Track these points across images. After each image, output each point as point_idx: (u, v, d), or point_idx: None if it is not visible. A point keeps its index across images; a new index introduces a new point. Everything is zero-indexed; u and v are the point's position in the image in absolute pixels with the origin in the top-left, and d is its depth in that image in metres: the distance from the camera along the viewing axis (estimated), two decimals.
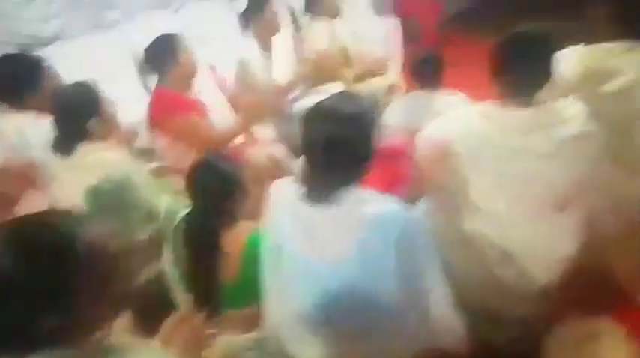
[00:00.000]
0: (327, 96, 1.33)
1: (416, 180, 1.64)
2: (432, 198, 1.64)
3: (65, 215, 0.96)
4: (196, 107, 2.53)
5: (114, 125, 1.96)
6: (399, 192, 1.66)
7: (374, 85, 3.27)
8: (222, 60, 3.01)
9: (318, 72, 3.04)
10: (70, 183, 1.82)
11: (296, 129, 2.48)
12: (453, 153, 1.55)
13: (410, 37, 4.68)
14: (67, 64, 3.05)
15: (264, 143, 2.78)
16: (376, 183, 1.65)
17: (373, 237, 1.20)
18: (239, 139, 2.65)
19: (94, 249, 0.90)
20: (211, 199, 1.62)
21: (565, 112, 1.54)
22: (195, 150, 2.50)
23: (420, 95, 2.63)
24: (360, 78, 3.25)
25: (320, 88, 3.00)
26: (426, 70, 2.62)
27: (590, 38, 1.84)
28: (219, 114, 2.70)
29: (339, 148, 1.23)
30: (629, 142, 1.77)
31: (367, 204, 1.23)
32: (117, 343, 0.99)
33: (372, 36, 3.94)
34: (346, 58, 3.25)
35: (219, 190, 1.61)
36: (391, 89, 3.25)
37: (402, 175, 1.67)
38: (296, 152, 2.52)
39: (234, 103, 2.84)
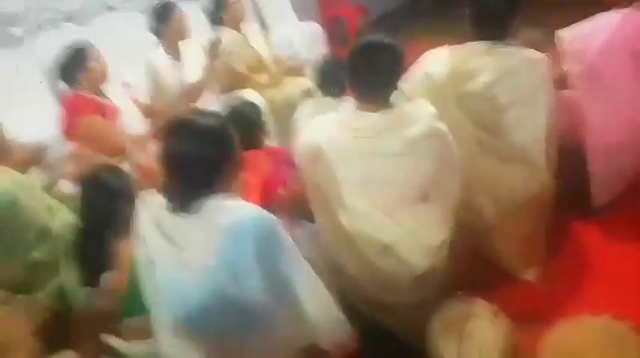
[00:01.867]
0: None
1: (298, 181, 1.73)
2: (313, 198, 1.73)
3: None
4: (105, 110, 2.56)
5: (3, 149, 1.94)
6: (280, 193, 1.75)
7: (288, 89, 3.34)
8: (131, 69, 3.01)
9: (226, 78, 3.11)
10: None
11: None
12: (322, 156, 1.64)
13: (337, 39, 4.82)
14: None
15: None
16: (258, 186, 1.74)
17: (231, 244, 1.25)
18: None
19: None
20: (101, 209, 1.64)
21: (413, 114, 1.66)
22: (102, 155, 2.53)
23: (327, 100, 2.71)
24: (274, 82, 3.31)
25: (231, 94, 3.06)
26: (331, 75, 2.70)
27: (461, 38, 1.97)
28: (131, 120, 2.71)
29: (192, 162, 1.30)
30: (498, 136, 1.91)
31: (224, 212, 1.28)
32: None
33: (294, 41, 4.06)
34: (259, 63, 3.31)
35: (109, 199, 1.64)
36: (306, 93, 3.32)
37: (286, 176, 1.75)
38: None
39: (145, 110, 2.84)
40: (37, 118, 2.78)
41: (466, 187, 1.79)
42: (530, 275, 2.08)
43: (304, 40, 4.20)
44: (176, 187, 1.32)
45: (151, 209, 1.34)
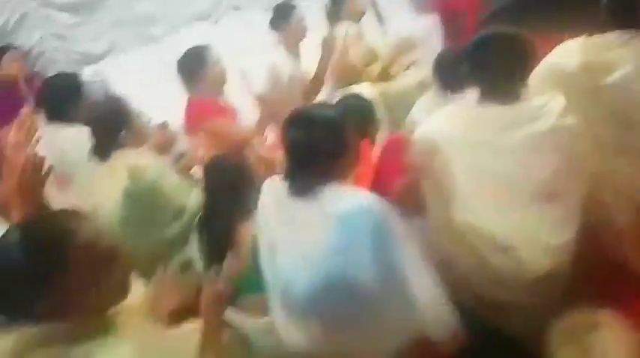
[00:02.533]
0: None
1: (415, 171, 1.72)
2: (428, 192, 1.71)
3: (70, 214, 1.14)
4: (225, 111, 2.72)
5: (144, 135, 2.15)
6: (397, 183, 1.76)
7: (403, 82, 3.32)
8: (258, 68, 3.17)
9: (342, 73, 3.17)
10: (104, 187, 2.04)
11: None
12: (438, 150, 1.62)
13: (452, 34, 4.70)
14: (118, 77, 3.37)
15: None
16: (368, 175, 1.75)
17: (346, 228, 1.30)
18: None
19: (86, 246, 1.07)
20: (222, 195, 1.77)
21: (541, 108, 1.57)
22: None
23: (444, 94, 2.67)
24: (386, 76, 3.31)
25: (347, 88, 3.11)
26: (450, 69, 2.64)
27: (595, 28, 1.84)
28: (250, 118, 2.87)
29: (311, 151, 1.38)
30: (633, 133, 1.76)
31: (341, 200, 1.34)
32: (120, 320, 1.16)
33: (411, 34, 4.03)
34: (374, 57, 3.32)
35: (228, 186, 1.76)
36: (421, 85, 3.29)
37: (402, 166, 1.75)
38: None
39: (261, 104, 2.97)
40: (169, 110, 3.03)
41: (596, 187, 1.67)
42: None
43: (421, 34, 4.14)
44: (296, 175, 1.39)
45: (272, 195, 1.42)
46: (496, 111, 1.59)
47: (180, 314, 1.56)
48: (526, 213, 1.59)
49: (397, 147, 1.78)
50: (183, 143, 2.82)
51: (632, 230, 1.81)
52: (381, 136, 2.38)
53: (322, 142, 1.36)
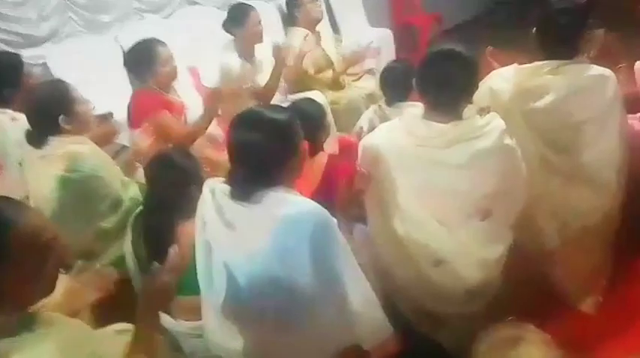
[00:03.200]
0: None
1: (357, 180, 1.74)
2: (370, 200, 1.74)
3: (11, 203, 1.09)
4: (172, 106, 2.64)
5: (86, 122, 2.06)
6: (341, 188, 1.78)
7: (353, 92, 3.38)
8: (207, 65, 3.12)
9: (294, 79, 3.18)
10: (40, 174, 1.94)
11: None
12: (381, 160, 1.65)
13: (405, 47, 4.81)
14: (60, 63, 3.22)
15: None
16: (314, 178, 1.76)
17: (286, 231, 1.29)
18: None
19: (26, 236, 1.02)
20: (165, 191, 1.72)
21: (483, 127, 1.63)
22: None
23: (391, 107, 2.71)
24: (340, 85, 3.36)
25: (299, 94, 3.13)
26: (397, 81, 2.70)
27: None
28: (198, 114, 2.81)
29: (257, 153, 1.34)
30: (567, 156, 1.86)
31: (284, 204, 1.32)
32: (44, 316, 1.10)
33: (365, 44, 4.08)
34: (327, 65, 3.36)
35: (172, 183, 1.72)
36: (370, 97, 3.34)
37: (351, 168, 1.77)
38: None
39: (208, 99, 2.89)
40: (113, 102, 2.92)
41: (528, 207, 1.75)
42: (587, 305, 2.01)
43: (374, 45, 4.22)
44: (240, 177, 1.37)
45: (214, 195, 1.40)
46: (440, 127, 1.63)
47: (101, 310, 1.51)
48: (462, 227, 1.64)
49: (347, 150, 1.80)
50: (126, 136, 2.75)
51: (562, 252, 1.91)
52: (330, 142, 2.40)
53: (269, 145, 1.34)
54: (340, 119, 3.10)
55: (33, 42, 3.27)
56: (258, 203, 1.34)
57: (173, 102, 2.67)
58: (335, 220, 1.35)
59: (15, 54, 2.57)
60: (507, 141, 1.64)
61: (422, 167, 1.64)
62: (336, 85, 3.36)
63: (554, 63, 1.83)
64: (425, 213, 1.64)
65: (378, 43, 4.14)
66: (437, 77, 1.63)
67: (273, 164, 1.36)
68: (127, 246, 1.87)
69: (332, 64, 3.40)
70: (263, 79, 3.05)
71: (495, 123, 1.66)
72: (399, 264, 1.71)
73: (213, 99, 2.66)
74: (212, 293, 1.41)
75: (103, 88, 3.01)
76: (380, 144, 1.69)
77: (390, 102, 2.69)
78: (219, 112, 2.70)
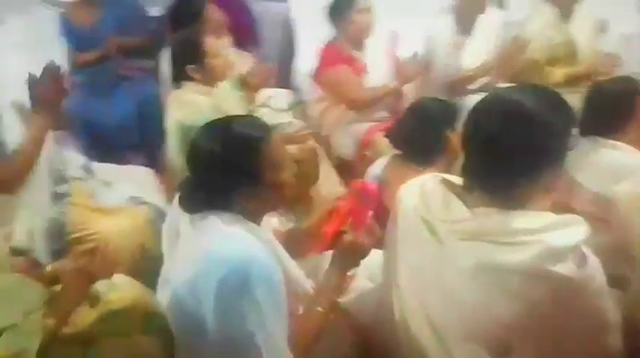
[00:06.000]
0: None
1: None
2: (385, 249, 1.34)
3: None
4: (353, 63, 2.54)
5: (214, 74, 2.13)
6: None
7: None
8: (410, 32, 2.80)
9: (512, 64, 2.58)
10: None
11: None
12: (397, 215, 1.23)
13: None
14: None
15: None
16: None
17: (199, 271, 1.13)
18: None
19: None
20: None
21: (528, 233, 1.04)
22: (342, 106, 2.61)
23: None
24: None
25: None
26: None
27: None
28: (380, 78, 2.61)
29: (207, 165, 1.20)
30: None
31: (214, 236, 1.16)
32: None
33: None
34: (568, 53, 2.58)
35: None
36: None
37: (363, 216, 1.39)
38: None
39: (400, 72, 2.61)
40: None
41: None
42: None
43: None
44: (188, 185, 1.26)
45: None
46: (477, 212, 1.13)
47: None
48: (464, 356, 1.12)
49: (360, 194, 1.39)
50: None
51: None
52: None
53: (221, 159, 1.17)
54: None
55: None
56: (199, 221, 1.22)
57: (355, 60, 2.57)
58: (267, 274, 1.12)
59: None
60: (558, 267, 1.01)
61: (429, 255, 1.17)
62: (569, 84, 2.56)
63: None
64: (420, 312, 1.19)
65: None
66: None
67: (220, 185, 1.19)
68: None
69: (575, 55, 2.59)
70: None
71: (570, 236, 1.04)
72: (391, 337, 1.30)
73: (406, 75, 2.45)
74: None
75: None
76: (407, 196, 1.27)
77: (585, 131, 1.94)
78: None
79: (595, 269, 1.07)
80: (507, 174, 1.09)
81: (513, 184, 1.09)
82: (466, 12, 2.63)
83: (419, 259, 1.19)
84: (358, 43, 2.59)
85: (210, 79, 2.13)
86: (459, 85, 2.63)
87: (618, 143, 1.70)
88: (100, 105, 2.75)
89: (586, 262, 1.05)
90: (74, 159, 1.91)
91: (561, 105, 1.12)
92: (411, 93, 2.61)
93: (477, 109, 1.14)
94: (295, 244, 1.47)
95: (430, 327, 1.17)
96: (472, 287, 1.10)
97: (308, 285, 1.37)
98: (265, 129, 1.25)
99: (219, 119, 1.27)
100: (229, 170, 1.18)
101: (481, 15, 2.64)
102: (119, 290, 1.18)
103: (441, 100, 1.87)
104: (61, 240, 1.71)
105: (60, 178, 1.77)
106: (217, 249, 1.13)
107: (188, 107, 2.07)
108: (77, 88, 2.62)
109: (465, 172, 1.16)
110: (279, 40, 3.17)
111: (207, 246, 1.15)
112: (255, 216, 1.23)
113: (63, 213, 1.74)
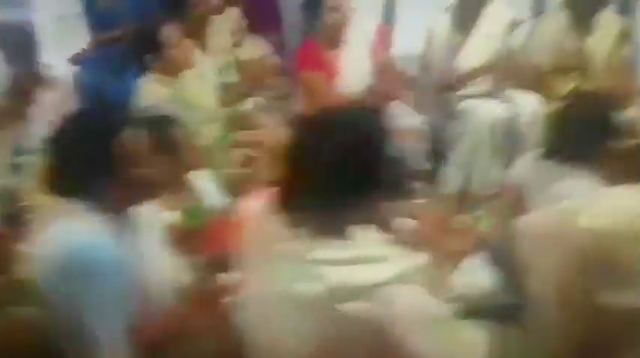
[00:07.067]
0: None
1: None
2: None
3: None
4: (325, 67, 2.47)
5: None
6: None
7: None
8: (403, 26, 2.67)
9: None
10: None
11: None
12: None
13: None
14: None
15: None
16: None
17: (53, 254, 1.16)
18: None
19: None
20: None
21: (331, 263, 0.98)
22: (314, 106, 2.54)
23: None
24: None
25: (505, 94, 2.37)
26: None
27: None
28: (355, 74, 2.51)
29: (68, 158, 1.23)
30: None
31: (69, 222, 1.19)
32: None
33: None
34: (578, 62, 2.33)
35: None
36: None
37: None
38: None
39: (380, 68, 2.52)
40: None
41: None
42: None
43: None
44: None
45: None
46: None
47: None
48: None
49: None
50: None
51: None
52: None
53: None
54: None
55: None
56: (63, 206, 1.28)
57: (327, 63, 2.47)
58: (108, 262, 1.16)
59: None
60: (348, 305, 0.94)
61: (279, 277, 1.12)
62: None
63: None
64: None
65: None
66: None
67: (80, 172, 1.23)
68: None
69: (586, 67, 2.34)
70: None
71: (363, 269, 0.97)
72: None
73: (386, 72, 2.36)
74: None
75: None
76: None
77: (550, 153, 1.74)
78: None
79: (407, 309, 1.00)
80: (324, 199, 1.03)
81: (330, 211, 1.04)
82: (467, 8, 2.46)
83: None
84: (333, 42, 2.49)
85: (170, 69, 2.17)
86: (457, 84, 2.48)
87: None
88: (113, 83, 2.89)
89: (393, 301, 0.98)
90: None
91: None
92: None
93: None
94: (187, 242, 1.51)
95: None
96: (282, 311, 1.07)
97: (185, 280, 1.40)
98: (123, 123, 1.27)
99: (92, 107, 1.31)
100: (84, 159, 1.21)
101: (486, 10, 2.45)
102: None
103: None
104: (12, 206, 1.86)
105: (19, 150, 1.92)
106: (63, 236, 1.17)
107: (148, 98, 2.13)
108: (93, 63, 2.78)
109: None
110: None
111: (61, 230, 1.19)
112: (118, 206, 1.26)
113: (18, 183, 1.89)
